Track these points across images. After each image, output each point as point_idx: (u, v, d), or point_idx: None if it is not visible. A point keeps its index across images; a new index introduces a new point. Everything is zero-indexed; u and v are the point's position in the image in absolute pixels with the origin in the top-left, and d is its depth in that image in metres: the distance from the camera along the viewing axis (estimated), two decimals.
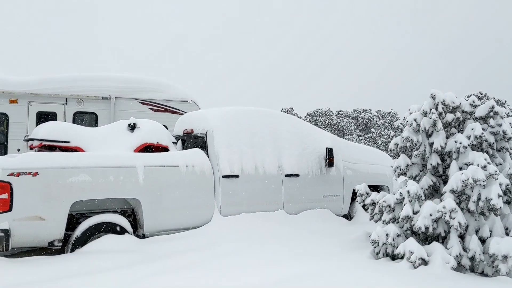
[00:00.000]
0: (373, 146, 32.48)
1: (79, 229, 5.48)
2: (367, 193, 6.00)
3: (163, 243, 5.54)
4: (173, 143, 6.80)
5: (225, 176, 6.34)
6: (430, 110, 5.52)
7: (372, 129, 43.37)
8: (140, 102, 10.14)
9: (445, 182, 5.60)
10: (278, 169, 6.81)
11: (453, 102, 5.61)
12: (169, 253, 5.13)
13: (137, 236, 5.86)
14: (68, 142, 6.08)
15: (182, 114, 9.35)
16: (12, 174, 5.08)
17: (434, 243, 5.01)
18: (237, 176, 6.42)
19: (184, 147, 7.49)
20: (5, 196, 5.04)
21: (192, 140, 7.31)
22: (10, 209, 5.05)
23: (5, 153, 9.21)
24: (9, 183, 5.06)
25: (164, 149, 6.59)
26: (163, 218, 5.93)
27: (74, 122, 9.60)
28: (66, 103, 9.66)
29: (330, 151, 7.19)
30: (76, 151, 6.06)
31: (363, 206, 6.72)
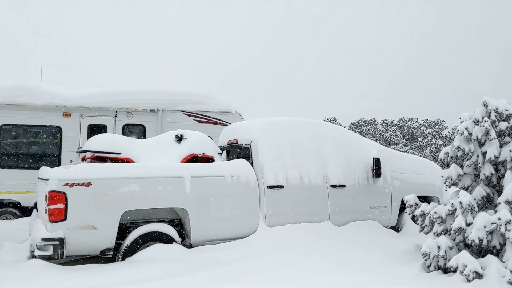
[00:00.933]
0: (421, 156, 31.63)
1: (129, 238, 5.63)
2: (417, 204, 5.84)
3: (210, 253, 5.60)
4: (219, 153, 6.89)
5: (270, 187, 6.35)
6: (483, 118, 5.33)
7: (419, 139, 42.24)
8: (185, 113, 10.35)
9: (499, 192, 5.37)
10: (323, 179, 6.75)
11: (507, 110, 5.40)
12: (217, 263, 5.18)
13: (185, 245, 5.95)
14: (119, 153, 6.28)
15: (226, 125, 9.47)
16: (66, 184, 5.31)
17: (489, 256, 4.81)
18: (282, 187, 6.42)
19: (228, 157, 7.58)
20: (60, 205, 5.26)
21: (237, 151, 7.39)
22: (65, 218, 5.27)
23: (59, 164, 9.62)
24: (64, 193, 5.28)
25: (210, 159, 6.69)
26: (210, 228, 6.00)
27: (123, 134, 9.90)
28: (116, 116, 10.00)
29: (377, 161, 7.06)
30: (126, 162, 6.25)
31: (412, 218, 6.54)
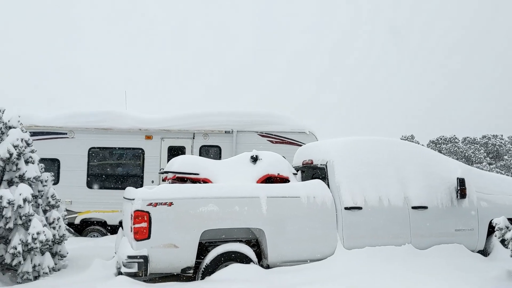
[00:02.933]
0: (508, 175, 29.52)
1: (209, 257, 5.75)
2: (507, 227, 5.44)
3: (288, 274, 5.57)
4: (294, 174, 6.88)
5: (347, 208, 6.22)
6: None
7: (505, 157, 39.46)
8: (259, 134, 10.50)
9: None
10: (403, 200, 6.50)
11: None
12: (295, 285, 5.14)
13: (261, 266, 5.97)
14: (198, 174, 6.48)
15: (300, 145, 9.47)
16: (150, 204, 5.56)
17: None
18: (360, 208, 6.26)
19: (303, 178, 7.55)
20: (144, 224, 5.51)
21: (311, 171, 7.33)
22: (148, 237, 5.51)
23: (142, 184, 10.12)
24: (148, 212, 5.53)
25: (285, 180, 6.70)
26: (286, 249, 5.97)
27: (200, 155, 10.25)
28: (193, 138, 10.38)
29: (461, 182, 6.68)
30: (205, 182, 6.44)
31: (502, 241, 6.10)
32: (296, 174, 7.07)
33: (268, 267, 5.95)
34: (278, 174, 6.64)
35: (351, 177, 6.40)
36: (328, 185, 6.40)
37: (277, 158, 6.87)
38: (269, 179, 6.66)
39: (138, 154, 10.44)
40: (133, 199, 5.67)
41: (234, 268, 5.58)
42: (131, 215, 5.63)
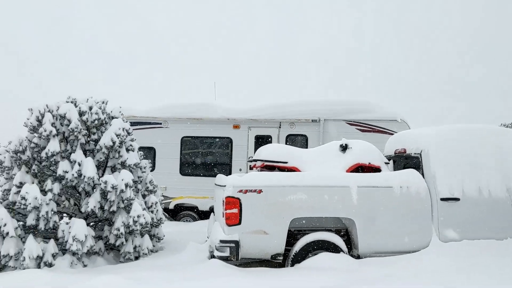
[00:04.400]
0: None
1: (298, 245, 5.79)
2: None
3: (378, 265, 5.43)
4: (385, 163, 6.68)
5: (443, 199, 5.91)
6: None
7: None
8: (347, 123, 10.31)
9: None
10: (506, 192, 6.04)
11: None
12: (387, 276, 5.00)
13: (352, 256, 5.89)
14: (286, 162, 6.52)
15: (391, 134, 9.15)
16: (241, 191, 5.71)
17: None
18: (457, 199, 5.92)
19: (395, 167, 7.29)
20: (235, 210, 5.67)
21: (404, 161, 7.06)
22: (239, 223, 5.67)
23: (230, 172, 10.42)
24: (238, 199, 5.68)
25: (376, 169, 6.52)
26: (377, 240, 5.83)
27: (286, 144, 10.30)
28: (279, 127, 10.46)
29: None
30: (293, 171, 6.46)
31: None
32: (388, 163, 6.85)
33: (358, 257, 5.86)
34: (369, 163, 6.47)
35: (447, 166, 6.07)
36: (422, 174, 6.13)
37: (368, 146, 6.70)
38: (359, 168, 6.52)
39: (226, 143, 10.74)
40: (225, 186, 5.86)
41: (324, 256, 5.56)
42: (223, 201, 5.82)
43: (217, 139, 10.83)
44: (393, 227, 5.85)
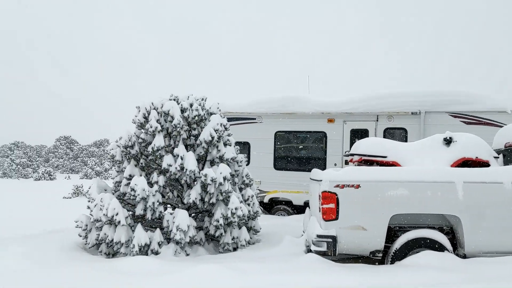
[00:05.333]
0: None
1: (398, 242, 5.58)
2: None
3: (487, 266, 5.05)
4: (495, 157, 6.18)
5: None
6: None
7: None
8: (450, 115, 9.70)
9: None
10: None
11: None
12: (497, 278, 4.63)
13: (457, 255, 5.55)
14: (385, 157, 6.31)
15: (499, 126, 8.47)
16: (337, 186, 5.62)
17: None
18: None
19: (505, 162, 6.72)
20: (332, 205, 5.61)
21: None
22: (336, 218, 5.60)
23: (325, 167, 10.32)
24: (335, 194, 5.61)
25: (484, 164, 6.06)
26: (486, 239, 5.43)
27: (384, 138, 9.94)
28: (377, 120, 10.13)
29: None
30: (392, 165, 6.23)
31: None
32: (498, 157, 6.33)
33: (464, 256, 5.50)
34: (476, 157, 6.04)
35: None
36: None
37: (475, 140, 6.25)
38: (465, 163, 6.11)
39: (320, 137, 10.65)
40: (321, 180, 5.81)
41: (427, 255, 5.29)
42: (319, 196, 5.78)
43: (311, 134, 10.77)
44: (504, 226, 5.41)
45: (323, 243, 5.59)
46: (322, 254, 5.61)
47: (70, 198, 19.02)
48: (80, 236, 7.12)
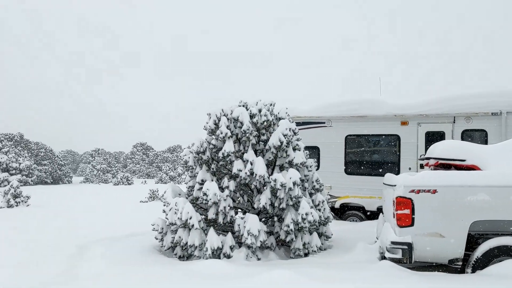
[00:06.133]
0: None
1: (480, 250, 5.25)
2: None
3: None
4: None
5: None
6: None
7: None
8: None
9: None
10: None
11: None
12: None
13: None
14: (464, 160, 5.97)
15: None
16: (413, 191, 5.40)
17: None
18: None
19: None
20: (407, 211, 5.40)
21: None
22: (412, 224, 5.38)
23: (398, 171, 9.97)
24: (410, 199, 5.39)
25: None
26: None
27: (462, 140, 9.43)
28: (454, 122, 9.63)
29: None
30: (472, 169, 5.89)
31: None
32: None
33: None
34: None
35: None
36: None
37: None
38: None
39: (393, 141, 10.31)
40: (395, 185, 5.61)
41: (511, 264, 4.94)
42: (393, 201, 5.59)
43: (384, 137, 10.46)
44: None
45: (398, 250, 5.40)
46: (397, 261, 5.41)
47: (147, 202, 19.87)
48: (157, 239, 7.41)
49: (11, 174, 38.87)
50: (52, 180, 44.58)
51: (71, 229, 10.34)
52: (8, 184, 30.13)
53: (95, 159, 63.00)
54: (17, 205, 17.51)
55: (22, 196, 17.94)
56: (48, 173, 44.14)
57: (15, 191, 17.72)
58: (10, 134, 43.79)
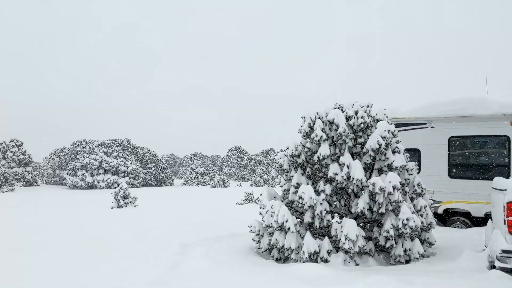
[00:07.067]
0: None
1: None
2: None
3: None
4: None
5: None
6: None
7: None
8: None
9: None
10: None
11: None
12: None
13: None
14: None
15: None
16: None
17: None
18: None
19: None
20: None
21: None
22: None
23: (508, 175, 9.19)
24: None
25: None
26: None
27: None
28: None
29: None
30: None
31: None
32: None
33: None
34: None
35: None
36: None
37: None
38: None
39: (502, 142, 9.52)
40: (505, 190, 5.21)
41: None
42: (504, 207, 5.19)
43: (491, 138, 9.69)
44: None
45: (510, 259, 4.99)
46: (509, 271, 5.00)
47: (242, 204, 20.38)
48: (254, 240, 7.58)
49: (120, 177, 42.11)
50: (156, 182, 47.45)
51: (173, 228, 10.95)
52: (118, 186, 32.68)
53: (194, 163, 66.05)
54: (126, 206, 18.93)
55: (130, 197, 19.37)
56: (152, 176, 47.05)
57: (124, 192, 19.19)
58: (118, 139, 47.41)
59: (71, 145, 49.40)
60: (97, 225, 11.92)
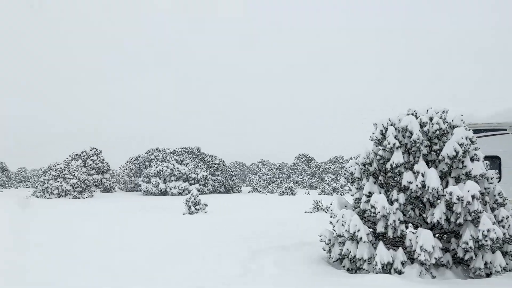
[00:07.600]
0: None
1: None
2: None
3: None
4: None
5: None
6: None
7: None
8: None
9: None
10: None
11: None
12: None
13: None
14: None
15: None
16: None
17: None
18: None
19: None
20: None
21: None
22: None
23: None
24: None
25: None
26: None
27: None
28: None
29: None
30: None
31: None
32: None
33: None
34: None
35: None
36: None
37: None
38: None
39: None
40: None
41: None
42: None
43: None
44: None
45: None
46: None
47: (311, 212, 20.22)
48: (324, 250, 7.52)
49: (190, 184, 43.43)
50: (224, 190, 48.40)
51: (243, 235, 11.12)
52: (189, 192, 33.71)
53: (261, 170, 66.59)
54: (196, 212, 19.48)
55: (200, 204, 19.91)
56: (220, 183, 48.05)
57: (195, 199, 19.76)
58: (189, 147, 48.92)
59: (145, 153, 51.75)
60: (174, 231, 12.43)
